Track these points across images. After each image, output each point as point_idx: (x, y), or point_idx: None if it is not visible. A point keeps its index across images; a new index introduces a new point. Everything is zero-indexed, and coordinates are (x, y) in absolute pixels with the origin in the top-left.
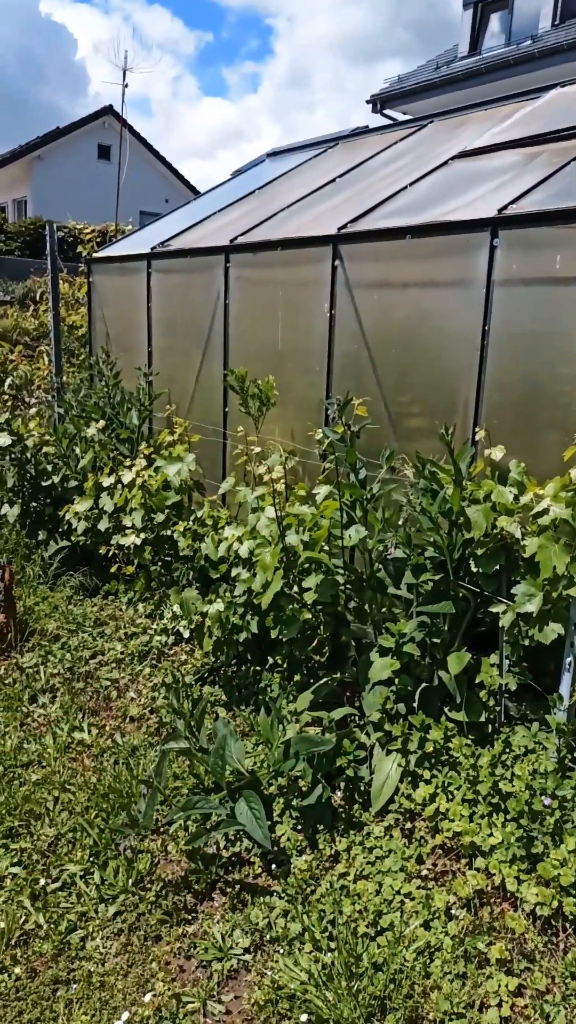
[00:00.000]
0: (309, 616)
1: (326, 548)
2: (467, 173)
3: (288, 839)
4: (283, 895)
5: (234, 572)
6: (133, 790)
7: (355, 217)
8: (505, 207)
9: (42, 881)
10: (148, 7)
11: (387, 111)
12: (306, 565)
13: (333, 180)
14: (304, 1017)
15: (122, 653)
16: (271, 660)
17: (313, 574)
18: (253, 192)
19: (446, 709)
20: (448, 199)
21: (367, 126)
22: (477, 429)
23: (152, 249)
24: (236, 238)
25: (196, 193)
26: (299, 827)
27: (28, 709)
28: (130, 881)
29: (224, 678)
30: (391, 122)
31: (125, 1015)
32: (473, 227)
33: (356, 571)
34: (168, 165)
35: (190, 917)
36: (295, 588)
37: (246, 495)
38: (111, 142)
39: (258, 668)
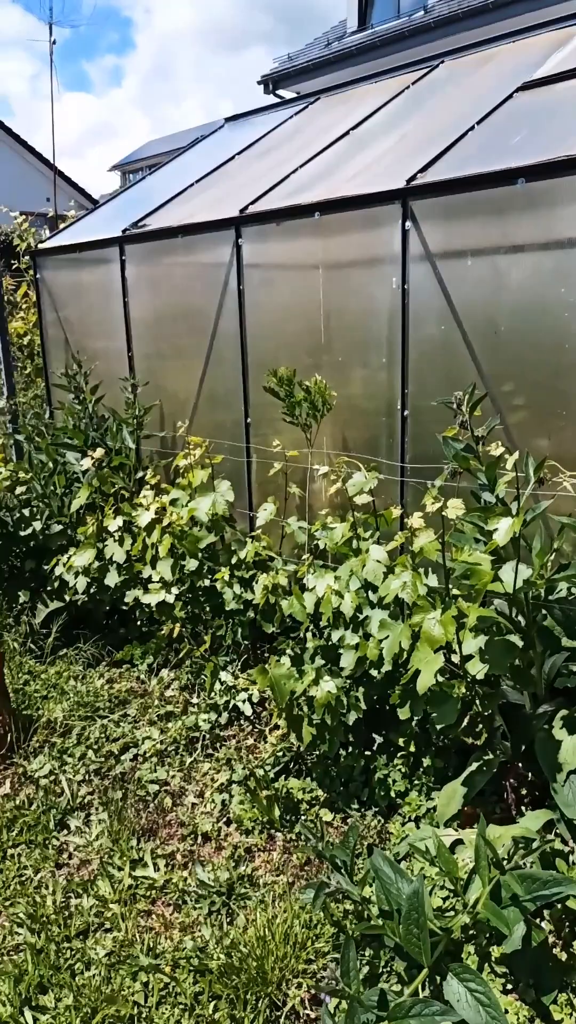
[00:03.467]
0: (465, 691)
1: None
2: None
3: (510, 1012)
4: None
5: (335, 635)
6: (267, 964)
7: (423, 167)
8: None
9: None
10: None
11: (280, 91)
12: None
13: (347, 133)
14: None
15: (162, 742)
16: (380, 739)
17: (473, 634)
18: (232, 159)
19: None
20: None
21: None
22: None
23: (124, 232)
24: (247, 207)
25: (79, 190)
26: (509, 986)
27: (60, 840)
28: None
29: (316, 765)
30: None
31: None
32: None
33: (517, 623)
34: (45, 161)
35: None
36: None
37: (335, 534)
38: None
39: (363, 750)
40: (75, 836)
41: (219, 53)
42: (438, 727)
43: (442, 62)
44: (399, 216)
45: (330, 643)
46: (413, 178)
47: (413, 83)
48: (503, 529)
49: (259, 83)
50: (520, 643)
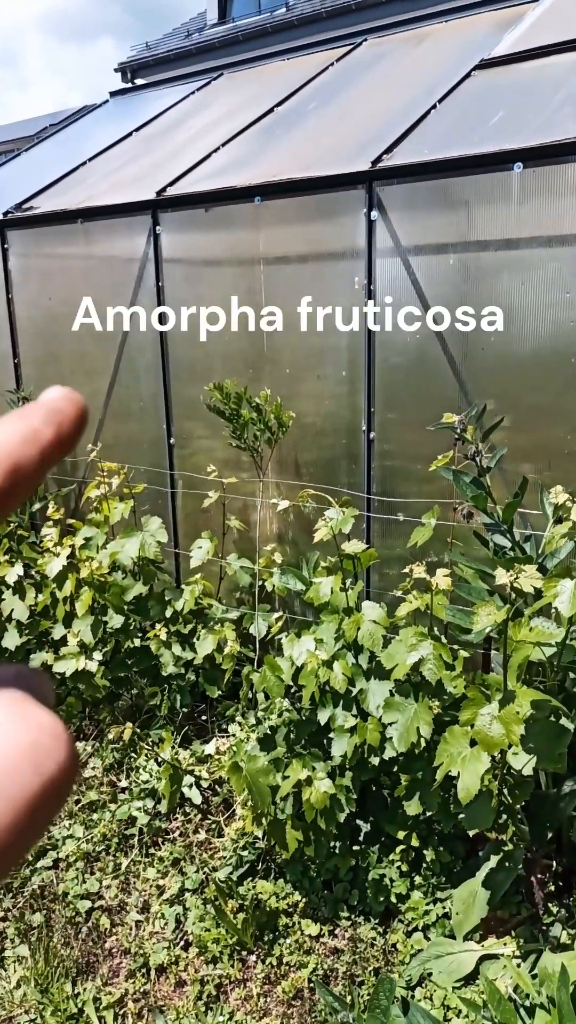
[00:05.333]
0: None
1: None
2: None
3: None
4: None
5: (322, 715)
6: None
7: (388, 147)
8: None
9: None
10: None
11: (138, 80)
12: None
13: (271, 111)
14: None
15: (88, 840)
16: (367, 826)
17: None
18: (129, 136)
19: None
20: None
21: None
22: None
23: (6, 215)
24: (165, 188)
25: None
26: None
27: None
28: None
29: (292, 863)
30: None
31: None
32: None
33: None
34: None
35: None
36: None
37: (320, 589)
38: None
39: (349, 843)
40: None
41: (66, 43)
42: (470, 832)
43: (365, 39)
44: (363, 203)
45: (305, 717)
46: (379, 160)
47: (337, 60)
48: (567, 594)
49: (116, 71)
50: (572, 726)
